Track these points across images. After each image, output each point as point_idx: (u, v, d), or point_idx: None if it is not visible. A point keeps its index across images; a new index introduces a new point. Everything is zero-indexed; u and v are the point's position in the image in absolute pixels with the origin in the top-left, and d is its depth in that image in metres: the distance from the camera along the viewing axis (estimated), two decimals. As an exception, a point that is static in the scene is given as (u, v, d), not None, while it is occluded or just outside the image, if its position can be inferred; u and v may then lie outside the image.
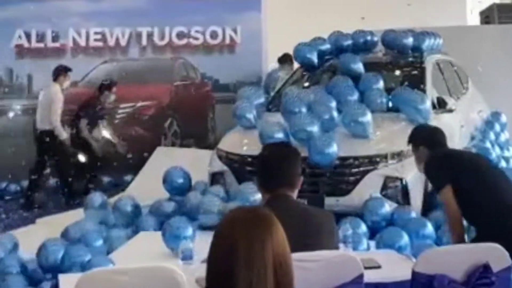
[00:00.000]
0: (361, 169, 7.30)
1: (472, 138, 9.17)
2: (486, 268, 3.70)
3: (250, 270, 2.45)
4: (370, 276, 3.81)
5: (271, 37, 12.56)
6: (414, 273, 3.71)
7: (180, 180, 8.11)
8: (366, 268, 3.73)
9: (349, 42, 9.48)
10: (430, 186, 7.36)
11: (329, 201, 7.10)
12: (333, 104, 7.87)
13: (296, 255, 3.54)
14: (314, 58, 9.25)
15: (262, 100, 8.78)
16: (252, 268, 2.45)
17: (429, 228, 6.52)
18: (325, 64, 9.53)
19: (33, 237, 7.00)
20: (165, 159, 10.72)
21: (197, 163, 8.95)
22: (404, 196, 7.18)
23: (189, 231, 6.10)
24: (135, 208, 7.75)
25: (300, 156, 4.09)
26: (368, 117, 7.49)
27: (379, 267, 4.29)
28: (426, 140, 5.47)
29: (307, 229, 3.85)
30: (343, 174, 7.32)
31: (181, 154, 11.14)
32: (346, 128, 7.60)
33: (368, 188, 7.16)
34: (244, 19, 12.73)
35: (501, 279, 3.74)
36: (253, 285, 2.44)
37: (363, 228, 6.59)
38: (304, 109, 7.78)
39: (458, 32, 11.57)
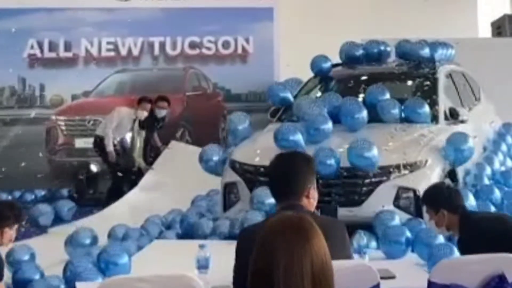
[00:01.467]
0: (374, 179, 7.29)
1: (484, 149, 9.17)
2: (501, 278, 3.71)
3: (288, 284, 2.39)
4: (385, 286, 3.82)
5: (284, 47, 12.59)
6: (429, 283, 3.72)
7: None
8: (381, 278, 3.74)
9: (361, 52, 9.51)
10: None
11: (342, 211, 7.11)
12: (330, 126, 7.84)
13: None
14: (289, 97, 9.09)
15: (246, 125, 8.73)
16: (290, 281, 2.39)
17: (441, 240, 6.48)
18: (341, 73, 9.61)
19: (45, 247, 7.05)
20: (178, 154, 10.82)
21: None
22: (416, 207, 7.15)
23: (125, 259, 5.96)
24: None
25: (313, 163, 3.98)
26: (374, 151, 7.31)
27: (394, 277, 4.31)
28: (447, 203, 5.19)
29: None
30: (356, 185, 7.33)
31: (194, 152, 11.17)
32: (351, 163, 7.39)
33: (381, 198, 7.16)
34: (257, 29, 12.79)
35: (516, 289, 3.75)
36: None
37: (408, 234, 6.53)
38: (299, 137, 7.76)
39: (470, 44, 11.55)
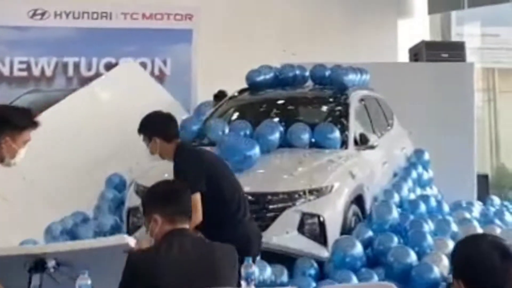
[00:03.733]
0: (280, 205, 7.15)
1: (395, 175, 9.16)
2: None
3: None
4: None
5: (201, 70, 12.50)
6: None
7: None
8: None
9: (271, 75, 9.44)
10: (349, 222, 7.33)
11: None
12: None
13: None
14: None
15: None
16: None
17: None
18: (254, 97, 9.51)
19: None
20: (129, 74, 10.88)
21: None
22: (321, 233, 7.05)
23: None
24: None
25: None
26: None
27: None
28: (161, 131, 5.51)
29: (210, 264, 3.87)
30: (261, 210, 7.16)
31: (146, 78, 11.26)
32: None
33: (285, 224, 7.02)
34: (174, 51, 12.66)
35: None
36: None
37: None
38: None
39: (387, 69, 11.60)
